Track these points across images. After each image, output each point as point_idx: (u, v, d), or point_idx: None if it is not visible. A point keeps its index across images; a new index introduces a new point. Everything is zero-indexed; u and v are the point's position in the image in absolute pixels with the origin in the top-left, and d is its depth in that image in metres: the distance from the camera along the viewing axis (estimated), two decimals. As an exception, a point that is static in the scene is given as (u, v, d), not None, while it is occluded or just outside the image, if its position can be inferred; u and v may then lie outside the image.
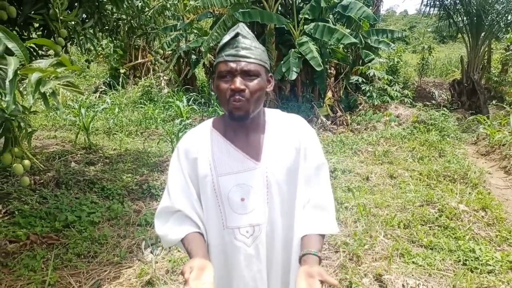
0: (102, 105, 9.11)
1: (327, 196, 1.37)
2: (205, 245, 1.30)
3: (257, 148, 1.31)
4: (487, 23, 10.45)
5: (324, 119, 8.53)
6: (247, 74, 1.22)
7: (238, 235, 1.29)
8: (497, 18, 10.58)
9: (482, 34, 10.79)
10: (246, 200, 1.28)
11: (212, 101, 9.49)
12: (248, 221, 1.28)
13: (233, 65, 1.21)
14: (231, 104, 1.22)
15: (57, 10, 2.90)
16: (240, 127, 1.31)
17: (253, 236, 1.29)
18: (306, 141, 1.35)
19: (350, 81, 9.42)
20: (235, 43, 1.24)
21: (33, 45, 3.45)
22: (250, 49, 1.24)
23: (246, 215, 1.28)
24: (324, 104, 9.04)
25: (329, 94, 9.35)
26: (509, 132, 6.78)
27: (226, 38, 1.26)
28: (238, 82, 1.20)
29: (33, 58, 2.16)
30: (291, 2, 9.01)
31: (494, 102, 10.84)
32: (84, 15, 3.92)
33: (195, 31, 10.74)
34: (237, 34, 1.25)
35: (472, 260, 3.24)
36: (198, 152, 1.32)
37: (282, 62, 8.28)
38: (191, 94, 10.23)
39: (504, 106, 9.39)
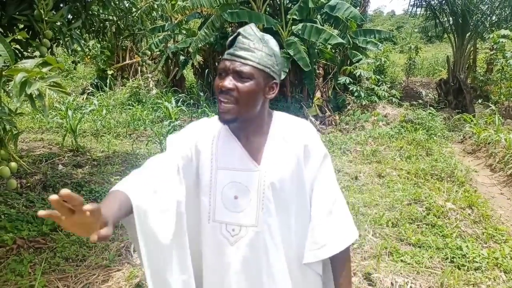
0: (89, 106, 9.01)
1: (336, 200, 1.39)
2: (120, 206, 1.07)
3: (259, 150, 1.29)
4: (472, 23, 10.59)
5: (313, 119, 8.56)
6: (239, 75, 1.17)
7: (223, 230, 1.28)
8: (482, 18, 10.75)
9: (468, 34, 10.93)
10: (240, 199, 1.26)
11: (201, 102, 9.45)
12: (236, 219, 1.26)
13: (227, 63, 1.19)
14: (219, 105, 1.20)
15: (41, 11, 2.86)
16: (242, 127, 1.28)
17: (237, 235, 1.27)
18: (310, 146, 1.31)
19: (338, 81, 9.47)
20: (235, 42, 1.22)
21: (18, 47, 3.40)
22: (249, 50, 1.19)
23: (236, 213, 1.26)
24: (313, 104, 9.07)
25: (318, 94, 9.39)
26: (494, 131, 6.88)
27: (231, 37, 1.25)
28: (227, 81, 1.17)
29: (18, 60, 2.12)
30: (279, 2, 9.04)
31: (480, 101, 10.98)
32: (70, 16, 3.88)
33: (183, 31, 10.70)
34: (238, 34, 1.23)
35: (459, 258, 3.28)
36: (204, 141, 1.31)
37: (270, 62, 8.29)
38: (179, 95, 10.17)
39: (490, 105, 9.52)
